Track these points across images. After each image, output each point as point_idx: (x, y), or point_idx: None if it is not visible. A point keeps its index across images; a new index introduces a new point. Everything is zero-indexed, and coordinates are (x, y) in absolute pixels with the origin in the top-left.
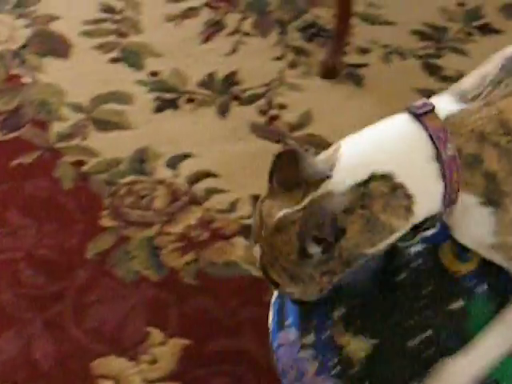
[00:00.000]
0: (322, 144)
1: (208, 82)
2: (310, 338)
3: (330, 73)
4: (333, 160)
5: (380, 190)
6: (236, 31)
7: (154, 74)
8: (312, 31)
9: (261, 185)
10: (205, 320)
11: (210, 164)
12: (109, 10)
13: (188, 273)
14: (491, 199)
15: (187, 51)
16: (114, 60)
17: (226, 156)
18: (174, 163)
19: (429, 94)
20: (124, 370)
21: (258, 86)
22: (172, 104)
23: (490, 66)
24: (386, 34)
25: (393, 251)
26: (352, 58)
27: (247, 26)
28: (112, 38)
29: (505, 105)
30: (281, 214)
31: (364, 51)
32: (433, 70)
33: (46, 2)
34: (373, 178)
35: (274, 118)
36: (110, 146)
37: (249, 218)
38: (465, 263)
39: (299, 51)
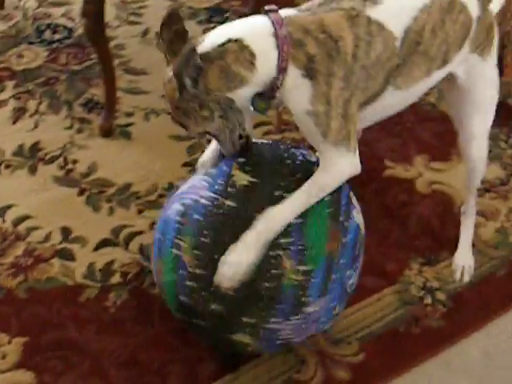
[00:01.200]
0: (107, 184)
1: (19, 151)
2: (212, 172)
3: (106, 133)
4: (203, 37)
5: (233, 48)
6: (35, 112)
7: None
8: (91, 105)
9: (66, 220)
10: (37, 321)
11: (27, 210)
12: None
13: (21, 290)
14: (309, 73)
15: (1, 131)
16: None
17: (39, 202)
18: (1, 213)
19: (182, 139)
20: None
21: (56, 149)
22: None
23: None
24: (144, 100)
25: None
26: (122, 120)
27: (43, 107)
28: None
29: (326, 15)
30: (170, 72)
31: (129, 114)
32: None
33: None
34: (229, 41)
35: (70, 171)
36: None
37: (60, 243)
38: None
39: (83, 120)
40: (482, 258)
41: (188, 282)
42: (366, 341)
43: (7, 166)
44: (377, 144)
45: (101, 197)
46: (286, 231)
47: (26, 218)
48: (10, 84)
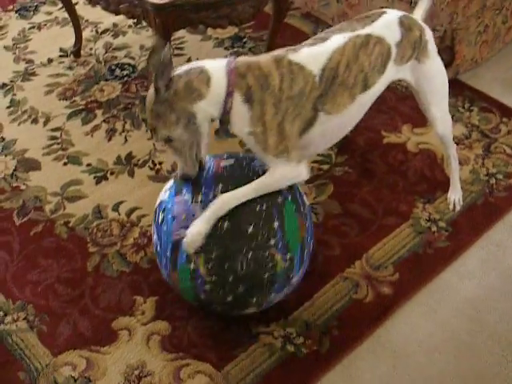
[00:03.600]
0: None
1: (118, 161)
2: (200, 197)
3: None
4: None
5: (196, 71)
6: (123, 130)
7: None
8: None
9: None
10: (161, 282)
11: (135, 203)
12: None
13: (144, 262)
14: (248, 99)
15: (102, 148)
16: None
17: (142, 196)
18: (116, 208)
19: None
20: None
21: (144, 155)
22: None
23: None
24: None
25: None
26: None
27: (128, 126)
28: None
29: (262, 58)
30: (150, 89)
31: None
32: None
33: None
34: (195, 68)
35: (158, 170)
36: None
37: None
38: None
39: None
40: (464, 193)
41: (206, 286)
42: (397, 264)
43: (112, 173)
44: (373, 121)
45: None
46: (273, 232)
47: (135, 209)
48: (99, 112)
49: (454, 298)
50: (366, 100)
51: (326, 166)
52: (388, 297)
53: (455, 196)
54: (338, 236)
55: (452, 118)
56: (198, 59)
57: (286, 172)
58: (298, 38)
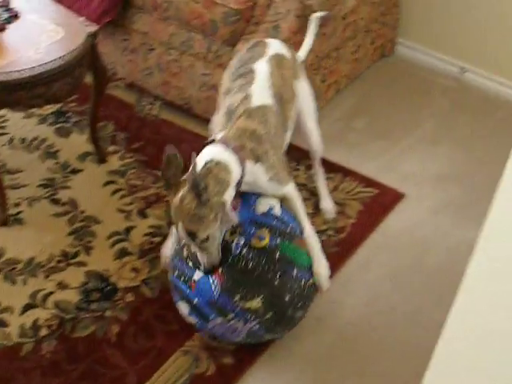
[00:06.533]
0: (16, 262)
1: None
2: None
3: (3, 223)
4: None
5: (214, 164)
6: None
7: None
8: None
9: None
10: None
11: None
12: None
13: None
14: (256, 159)
15: None
16: None
17: None
18: None
19: (60, 215)
20: None
21: None
22: None
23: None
24: (25, 191)
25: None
26: (12, 210)
27: None
28: None
29: (239, 123)
30: (178, 195)
31: (17, 204)
32: None
33: None
34: (209, 161)
35: None
36: None
37: None
38: (262, 241)
39: None
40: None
41: None
42: None
43: None
44: None
45: (14, 272)
46: (302, 267)
47: None
48: None
49: (294, 360)
50: (297, 109)
51: (157, 239)
52: (229, 367)
53: (328, 205)
54: (175, 310)
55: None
56: (23, 138)
57: (292, 188)
58: (122, 109)
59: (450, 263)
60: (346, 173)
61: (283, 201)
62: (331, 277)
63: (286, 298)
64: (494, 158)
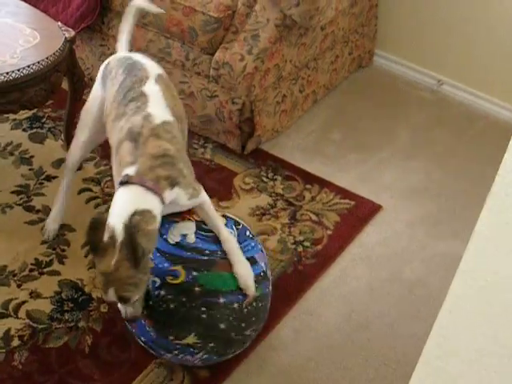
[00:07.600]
0: None
1: None
2: None
3: None
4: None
5: (141, 218)
6: None
7: None
8: None
9: None
10: None
11: None
12: None
13: None
14: (173, 185)
15: None
16: None
17: None
18: None
19: (34, 223)
20: None
21: None
22: None
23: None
24: None
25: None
26: None
27: None
28: None
29: (149, 151)
30: (112, 262)
31: None
32: None
33: None
34: (133, 214)
35: None
36: None
37: None
38: (177, 278)
39: None
40: (274, 262)
41: None
42: None
43: None
44: None
45: None
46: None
47: None
48: None
49: (270, 372)
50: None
51: None
52: (205, 380)
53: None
54: None
55: (256, 188)
56: None
57: (205, 194)
58: None
59: (425, 275)
60: (323, 184)
61: (197, 208)
62: (307, 289)
63: (222, 326)
64: (469, 172)
